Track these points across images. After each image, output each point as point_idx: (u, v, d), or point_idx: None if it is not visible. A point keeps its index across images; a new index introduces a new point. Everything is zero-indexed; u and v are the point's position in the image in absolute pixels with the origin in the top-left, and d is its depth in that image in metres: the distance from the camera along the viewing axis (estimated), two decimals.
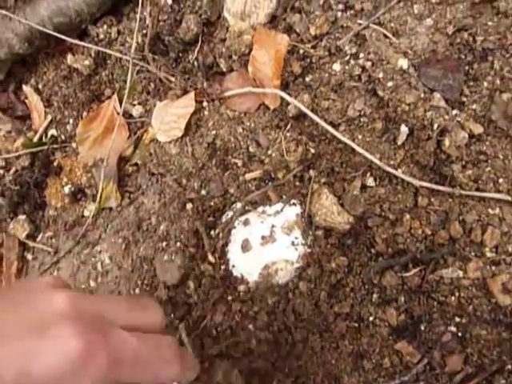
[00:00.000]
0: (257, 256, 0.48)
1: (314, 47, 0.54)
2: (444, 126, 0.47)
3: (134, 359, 0.26)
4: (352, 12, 0.54)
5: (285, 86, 0.54)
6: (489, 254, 0.45)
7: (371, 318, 0.46)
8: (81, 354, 0.23)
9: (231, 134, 0.54)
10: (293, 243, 0.48)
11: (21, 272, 0.60)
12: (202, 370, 0.43)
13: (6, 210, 0.61)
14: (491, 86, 0.48)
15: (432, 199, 0.47)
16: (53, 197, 0.61)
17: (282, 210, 0.50)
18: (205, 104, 0.56)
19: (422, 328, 0.45)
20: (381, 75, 0.50)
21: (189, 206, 0.53)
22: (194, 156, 0.54)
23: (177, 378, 0.30)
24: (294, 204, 0.50)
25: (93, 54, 0.62)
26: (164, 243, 0.53)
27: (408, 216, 0.47)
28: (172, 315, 0.50)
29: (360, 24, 0.53)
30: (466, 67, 0.49)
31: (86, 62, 0.61)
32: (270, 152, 0.53)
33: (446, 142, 0.47)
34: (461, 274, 0.45)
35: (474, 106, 0.48)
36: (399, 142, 0.49)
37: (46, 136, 0.64)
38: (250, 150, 0.53)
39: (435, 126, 0.47)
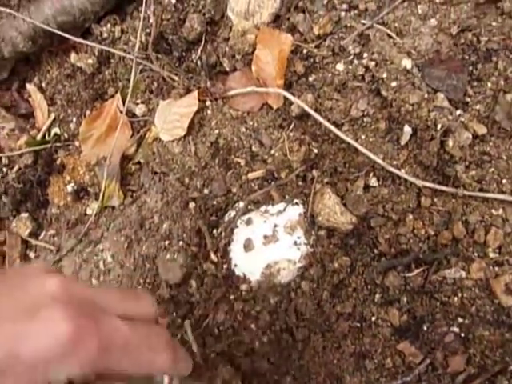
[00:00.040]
0: (259, 255, 0.48)
1: (317, 47, 0.54)
2: (448, 127, 0.47)
3: (124, 347, 0.25)
4: (356, 12, 0.54)
5: (288, 86, 0.54)
6: (492, 255, 0.45)
7: (373, 318, 0.46)
8: (70, 337, 0.23)
9: (234, 133, 0.54)
10: (295, 243, 0.48)
11: None
12: (205, 370, 0.42)
13: (8, 208, 0.61)
14: (495, 87, 0.48)
15: (435, 199, 0.47)
16: (55, 195, 0.61)
17: (284, 210, 0.50)
18: (208, 103, 0.56)
19: (425, 328, 0.45)
20: (384, 75, 0.50)
21: (191, 204, 0.53)
22: (197, 155, 0.54)
23: (167, 369, 0.29)
24: (296, 204, 0.50)
25: (96, 53, 0.62)
26: (166, 242, 0.53)
27: (411, 216, 0.47)
28: (174, 314, 0.50)
29: (364, 24, 0.53)
30: (470, 68, 0.49)
31: (90, 61, 0.61)
32: (272, 151, 0.53)
33: (450, 142, 0.47)
34: (464, 274, 0.45)
35: (477, 107, 0.48)
36: (402, 142, 0.49)
37: (49, 134, 0.64)
38: (253, 149, 0.53)
39: (439, 126, 0.47)
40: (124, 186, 0.58)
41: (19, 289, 0.25)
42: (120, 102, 0.60)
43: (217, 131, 0.55)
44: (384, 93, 0.50)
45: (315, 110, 0.50)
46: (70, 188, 0.60)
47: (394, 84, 0.50)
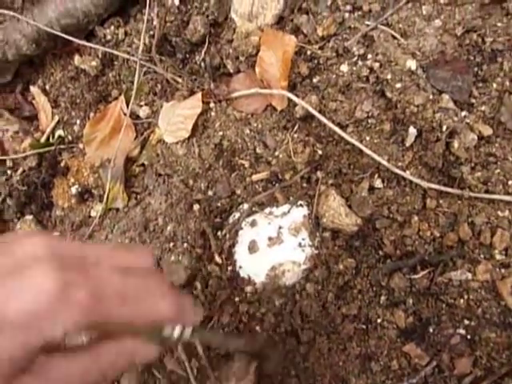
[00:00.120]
0: (264, 257, 0.48)
1: (321, 48, 0.54)
2: (453, 128, 0.47)
3: (118, 295, 0.24)
4: (360, 13, 0.54)
5: (292, 87, 0.54)
6: (498, 257, 0.44)
7: (379, 320, 0.46)
8: (57, 291, 0.22)
9: (238, 135, 0.54)
10: (300, 244, 0.48)
11: None
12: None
13: (13, 210, 0.61)
14: (500, 88, 0.48)
15: (441, 201, 0.47)
16: (60, 197, 0.61)
17: (289, 212, 0.50)
18: (212, 105, 0.56)
19: (431, 330, 0.45)
20: (389, 76, 0.50)
21: (196, 206, 0.53)
22: (201, 157, 0.54)
23: (173, 317, 0.27)
24: (301, 205, 0.50)
25: (100, 55, 0.62)
26: (171, 244, 0.53)
27: (416, 218, 0.47)
28: None
29: (368, 25, 0.53)
30: (475, 68, 0.49)
31: (93, 63, 0.61)
32: (277, 153, 0.52)
33: (455, 143, 0.46)
34: (470, 276, 0.44)
35: (483, 108, 0.48)
36: (407, 144, 0.49)
37: (53, 136, 0.64)
38: (257, 151, 0.53)
39: (444, 127, 0.47)
40: (128, 187, 0.58)
41: (2, 255, 0.24)
42: (124, 104, 0.60)
43: (221, 133, 0.55)
44: (389, 94, 0.50)
45: (319, 112, 0.50)
46: (74, 190, 0.60)
47: (398, 85, 0.49)
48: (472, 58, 0.49)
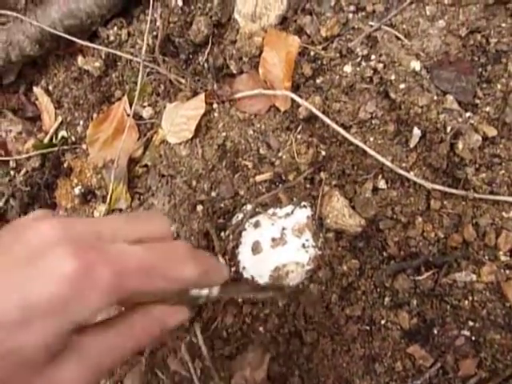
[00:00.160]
0: (267, 258, 0.48)
1: (324, 49, 0.54)
2: (457, 129, 0.47)
3: (141, 268, 0.24)
4: (363, 14, 0.54)
5: (295, 88, 0.54)
6: (503, 258, 0.44)
7: (383, 322, 0.46)
8: (81, 274, 0.22)
9: (241, 135, 0.54)
10: (303, 245, 0.48)
11: None
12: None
13: (16, 211, 0.61)
14: (505, 88, 0.47)
15: (445, 202, 0.47)
16: (63, 198, 0.61)
17: (292, 213, 0.50)
18: (215, 106, 0.56)
19: (435, 332, 0.45)
20: (393, 77, 0.50)
21: (199, 207, 0.53)
22: (204, 158, 0.54)
23: (199, 280, 0.27)
24: (304, 206, 0.50)
25: (103, 56, 0.62)
26: None
27: (420, 219, 0.47)
28: None
29: (371, 26, 0.53)
30: (480, 69, 0.49)
31: (97, 64, 0.61)
32: (280, 154, 0.52)
33: (460, 144, 0.46)
34: (474, 277, 0.44)
35: (487, 109, 0.47)
36: (411, 145, 0.48)
37: (57, 137, 0.64)
38: (261, 151, 0.53)
39: (448, 128, 0.47)
40: (131, 188, 0.58)
41: (15, 244, 0.23)
42: (127, 104, 0.60)
43: (224, 134, 0.54)
44: (392, 95, 0.50)
45: (323, 113, 0.50)
46: (77, 191, 0.60)
47: (402, 86, 0.49)
48: (476, 58, 0.49)
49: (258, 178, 0.52)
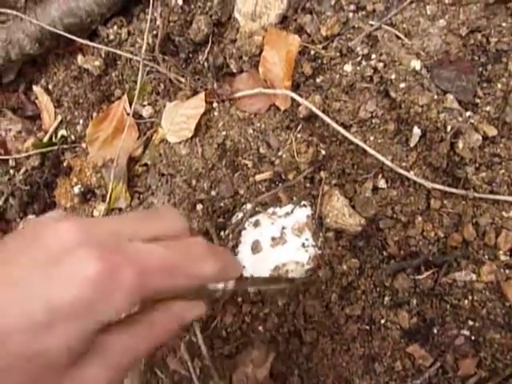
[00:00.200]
0: (267, 257, 0.48)
1: (325, 48, 0.54)
2: (457, 128, 0.47)
3: (163, 267, 0.24)
4: (364, 13, 0.54)
5: (295, 87, 0.54)
6: (503, 258, 0.44)
7: (383, 321, 0.46)
8: (103, 275, 0.22)
9: (241, 134, 0.54)
10: (303, 245, 0.48)
11: None
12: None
13: (15, 210, 0.61)
14: (505, 88, 0.47)
15: (445, 201, 0.46)
16: (62, 197, 0.61)
17: (292, 212, 0.50)
18: (215, 105, 0.56)
19: (435, 331, 0.45)
20: (393, 76, 0.50)
21: (199, 206, 0.53)
22: (204, 157, 0.54)
23: (218, 275, 0.27)
24: (304, 205, 0.50)
25: (103, 55, 0.62)
26: None
27: (420, 218, 0.47)
28: None
29: (372, 25, 0.53)
30: (480, 68, 0.49)
31: (96, 63, 0.61)
32: (280, 153, 0.52)
33: (460, 144, 0.46)
34: (474, 277, 0.44)
35: (487, 108, 0.47)
36: (412, 144, 0.48)
37: (56, 136, 0.64)
38: (261, 151, 0.53)
39: (448, 127, 0.47)
40: (131, 187, 0.58)
41: (34, 247, 0.23)
42: (127, 103, 0.60)
43: (224, 133, 0.54)
44: (393, 94, 0.49)
45: (323, 112, 0.50)
46: (76, 190, 0.60)
47: (402, 85, 0.49)
48: (476, 58, 0.49)
49: (258, 177, 0.52)
